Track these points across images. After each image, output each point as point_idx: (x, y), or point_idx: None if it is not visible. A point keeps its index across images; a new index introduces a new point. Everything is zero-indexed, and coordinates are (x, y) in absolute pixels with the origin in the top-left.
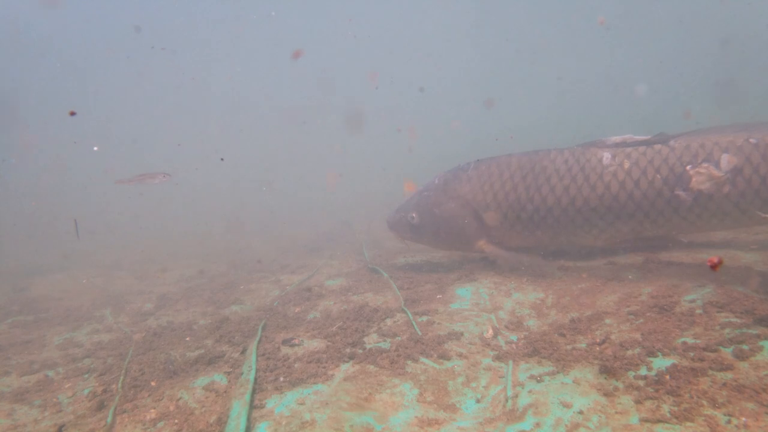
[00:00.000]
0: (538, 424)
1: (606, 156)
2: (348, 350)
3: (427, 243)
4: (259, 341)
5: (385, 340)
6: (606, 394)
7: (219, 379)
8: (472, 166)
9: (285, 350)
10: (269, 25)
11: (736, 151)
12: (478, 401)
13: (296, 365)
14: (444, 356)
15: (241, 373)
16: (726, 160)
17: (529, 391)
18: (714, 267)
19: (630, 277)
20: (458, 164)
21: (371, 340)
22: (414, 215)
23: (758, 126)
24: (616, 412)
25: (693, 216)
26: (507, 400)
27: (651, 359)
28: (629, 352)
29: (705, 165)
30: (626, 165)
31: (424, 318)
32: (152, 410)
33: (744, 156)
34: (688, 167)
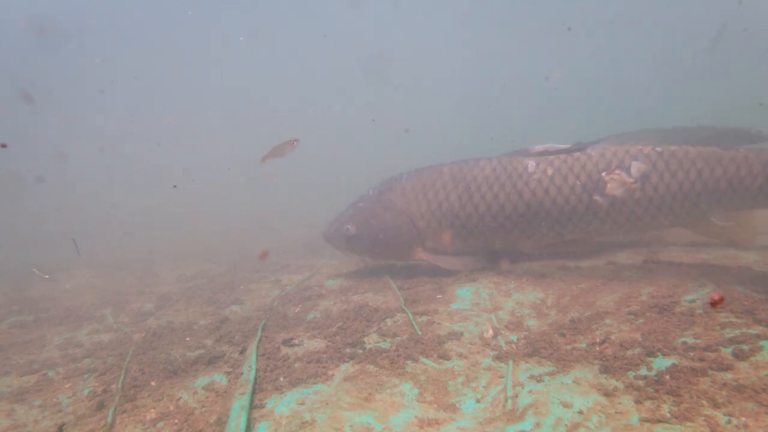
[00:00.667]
0: (538, 424)
1: (531, 164)
2: (348, 350)
3: (365, 254)
4: (259, 341)
5: (385, 340)
6: (606, 394)
7: (219, 379)
8: (405, 176)
9: (285, 350)
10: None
11: (645, 158)
12: (478, 401)
13: (296, 365)
14: (444, 356)
15: (241, 373)
16: (636, 167)
17: (529, 391)
18: (715, 304)
19: (630, 277)
20: (392, 175)
21: (371, 340)
22: (350, 227)
23: (668, 132)
24: (616, 412)
25: (610, 220)
26: (507, 400)
27: (651, 359)
28: (629, 352)
29: (617, 172)
30: (549, 172)
31: (424, 318)
32: (152, 410)
33: (651, 163)
34: (603, 174)
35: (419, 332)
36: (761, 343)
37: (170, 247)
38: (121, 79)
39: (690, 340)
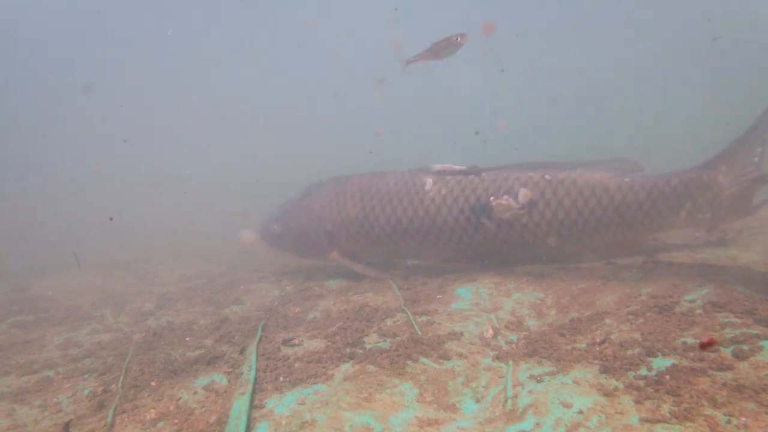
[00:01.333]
0: (538, 424)
1: (429, 182)
2: (348, 350)
3: (290, 252)
4: (259, 341)
5: (385, 340)
6: (606, 394)
7: (219, 379)
8: (323, 183)
9: (285, 350)
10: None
11: (533, 185)
12: (478, 401)
13: (296, 365)
14: (444, 356)
15: (241, 373)
16: (523, 194)
17: (529, 391)
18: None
19: (630, 277)
20: (314, 182)
21: (371, 340)
22: (276, 226)
23: (561, 165)
24: (616, 412)
25: (499, 242)
26: (507, 400)
27: (651, 359)
28: (629, 352)
29: (505, 197)
30: (443, 192)
31: (424, 318)
32: (152, 410)
33: (539, 191)
34: (492, 198)
35: (419, 332)
36: (761, 343)
37: (170, 247)
38: (120, 79)
39: (690, 340)
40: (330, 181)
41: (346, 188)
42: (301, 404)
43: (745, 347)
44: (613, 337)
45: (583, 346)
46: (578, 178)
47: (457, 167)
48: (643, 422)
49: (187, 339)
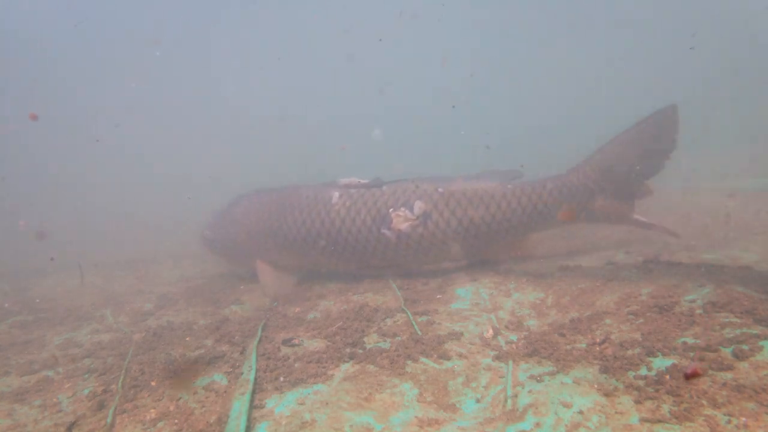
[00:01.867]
0: (538, 424)
1: (335, 195)
2: (348, 350)
3: (221, 258)
4: (259, 341)
5: (385, 340)
6: (606, 394)
7: (219, 379)
8: (250, 194)
9: (285, 350)
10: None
11: (427, 198)
12: (478, 401)
13: (296, 365)
14: (444, 356)
15: (241, 373)
16: (418, 206)
17: (529, 391)
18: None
19: (630, 277)
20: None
21: (371, 340)
22: (208, 233)
23: (452, 178)
24: (616, 412)
25: (401, 251)
26: (507, 400)
27: (651, 359)
28: (629, 352)
29: (402, 209)
30: (348, 204)
31: (424, 318)
32: (152, 410)
33: (432, 202)
34: (390, 210)
35: (419, 332)
36: (761, 343)
37: (171, 247)
38: (120, 78)
39: (690, 340)
40: (255, 192)
41: (266, 200)
42: (301, 404)
43: (745, 347)
44: (613, 337)
45: (583, 346)
46: (467, 188)
47: (361, 180)
48: (643, 422)
49: (187, 339)
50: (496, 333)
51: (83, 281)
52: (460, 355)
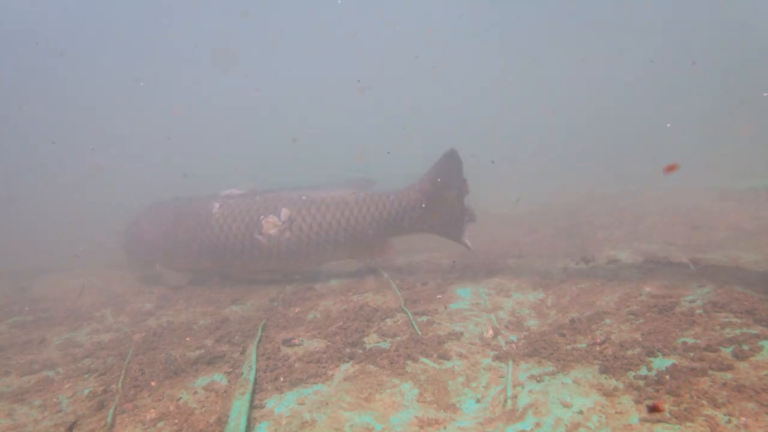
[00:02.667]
0: (538, 424)
1: (216, 205)
2: (348, 350)
3: (133, 260)
4: (259, 341)
5: (385, 340)
6: (606, 394)
7: (219, 379)
8: (157, 204)
9: (285, 350)
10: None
11: (292, 205)
12: (478, 401)
13: (296, 365)
14: (444, 356)
15: (241, 373)
16: (284, 212)
17: (529, 391)
18: (652, 411)
19: (630, 277)
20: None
21: (371, 340)
22: (123, 237)
23: (315, 186)
24: (616, 412)
25: (273, 254)
26: (507, 400)
27: (651, 359)
28: (629, 352)
29: (271, 216)
30: (226, 213)
31: (424, 318)
32: (152, 410)
33: (296, 209)
34: (261, 217)
35: (419, 332)
36: (761, 343)
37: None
38: (120, 78)
39: (690, 340)
40: (161, 203)
41: (167, 211)
42: (301, 404)
43: (745, 347)
44: (613, 337)
45: (583, 346)
46: (326, 196)
47: (239, 191)
48: (643, 422)
49: (187, 339)
50: (496, 333)
51: (82, 290)
52: (460, 355)
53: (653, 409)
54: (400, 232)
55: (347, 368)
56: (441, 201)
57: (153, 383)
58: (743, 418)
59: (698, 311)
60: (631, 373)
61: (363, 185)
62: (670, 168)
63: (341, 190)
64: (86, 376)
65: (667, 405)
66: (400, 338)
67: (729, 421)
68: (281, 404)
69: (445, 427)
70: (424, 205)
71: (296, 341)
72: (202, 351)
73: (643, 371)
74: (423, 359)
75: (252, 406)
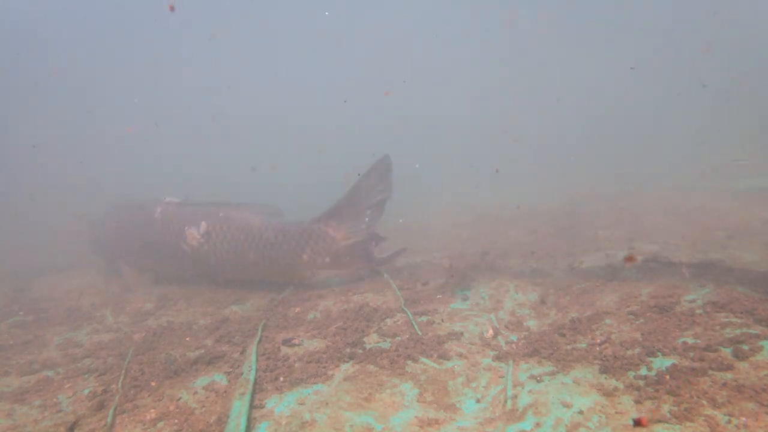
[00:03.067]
0: (538, 424)
1: (158, 210)
2: (348, 350)
3: (98, 257)
4: (259, 341)
5: (385, 340)
6: (606, 394)
7: (219, 379)
8: (116, 206)
9: (285, 350)
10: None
11: (210, 219)
12: (478, 401)
13: (296, 365)
14: (444, 356)
15: (241, 373)
16: (203, 226)
17: (529, 391)
18: (636, 424)
19: (630, 277)
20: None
21: (371, 340)
22: (88, 234)
23: (228, 204)
24: (616, 412)
25: (199, 263)
26: (507, 400)
27: (651, 359)
28: (629, 352)
29: (193, 228)
30: (163, 220)
31: (424, 318)
32: (152, 410)
33: (213, 223)
34: (186, 227)
35: (419, 332)
36: (761, 343)
37: None
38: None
39: (690, 340)
40: (116, 205)
41: (121, 212)
42: (301, 404)
43: (745, 347)
44: (613, 337)
45: (583, 346)
46: (238, 216)
47: (176, 199)
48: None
49: (187, 339)
50: (496, 333)
51: (83, 292)
52: (460, 355)
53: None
54: (299, 265)
55: (347, 368)
56: (353, 229)
57: (153, 383)
58: (743, 418)
59: (698, 311)
60: (631, 373)
61: (271, 212)
62: None
63: (251, 212)
64: (86, 376)
65: (666, 405)
66: (400, 338)
67: (729, 421)
68: (281, 404)
69: (445, 427)
70: (333, 236)
71: (296, 341)
72: (202, 351)
73: (643, 371)
74: (423, 359)
75: (252, 406)
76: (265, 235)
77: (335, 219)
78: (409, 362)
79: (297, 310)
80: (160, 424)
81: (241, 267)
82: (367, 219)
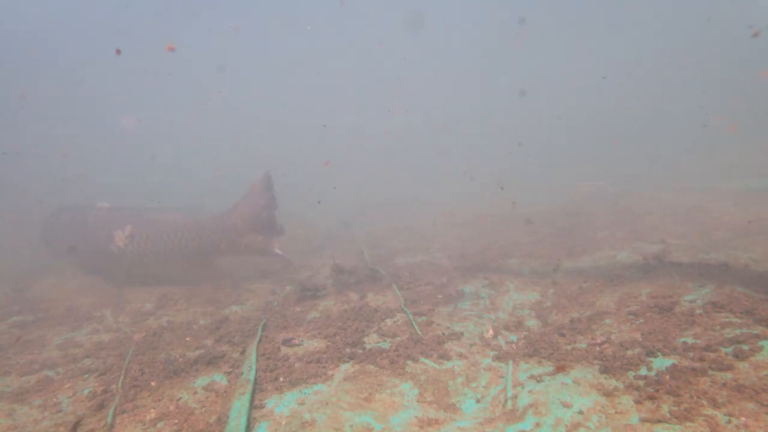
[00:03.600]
0: (538, 424)
1: (91, 214)
2: (348, 350)
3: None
4: (259, 341)
5: (385, 340)
6: (606, 394)
7: (219, 379)
8: (60, 209)
9: (285, 350)
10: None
11: (134, 222)
12: (478, 401)
13: (296, 365)
14: (444, 356)
15: (241, 373)
16: (128, 229)
17: (529, 391)
18: None
19: (630, 277)
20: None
21: (371, 340)
22: (41, 234)
23: (154, 208)
24: (616, 412)
25: (126, 263)
26: (507, 400)
27: (651, 359)
28: (629, 352)
29: (119, 231)
30: (95, 223)
31: (424, 318)
32: (152, 410)
33: (136, 226)
34: (114, 231)
35: (419, 332)
36: (761, 343)
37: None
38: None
39: (690, 340)
40: (59, 207)
41: (62, 215)
42: (301, 404)
43: (745, 347)
44: (613, 337)
45: (583, 346)
46: (162, 217)
47: (106, 204)
48: (643, 422)
49: (187, 339)
50: (496, 333)
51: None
52: (460, 355)
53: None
54: (220, 253)
55: (347, 368)
56: (258, 222)
57: (153, 383)
58: (743, 418)
59: (698, 311)
60: (631, 373)
61: (193, 210)
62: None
63: (173, 213)
64: (86, 376)
65: (666, 405)
66: (400, 338)
67: (729, 421)
68: (281, 404)
69: (445, 427)
70: (242, 227)
71: (296, 341)
72: (202, 351)
73: (643, 371)
74: (423, 359)
75: (252, 406)
76: (187, 230)
77: (239, 212)
78: (409, 362)
79: (297, 310)
80: (160, 424)
81: (167, 261)
82: (264, 214)
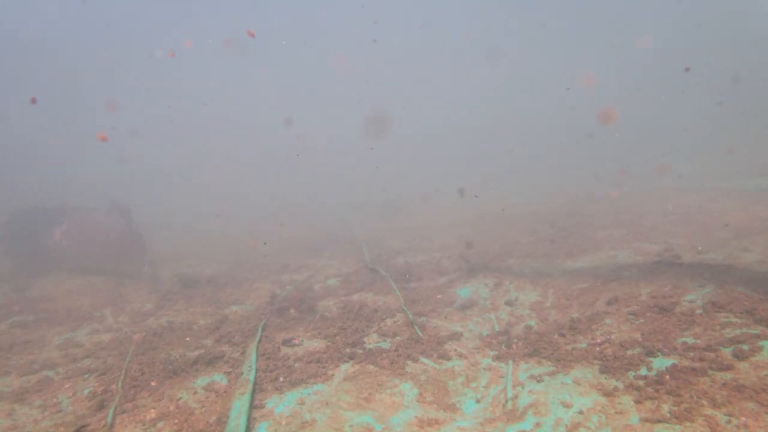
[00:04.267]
0: (538, 424)
1: (37, 213)
2: (348, 350)
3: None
4: (259, 341)
5: (385, 340)
6: (606, 394)
7: (219, 379)
8: (21, 210)
9: (285, 350)
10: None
11: (69, 220)
12: (478, 401)
13: (296, 365)
14: (444, 356)
15: (241, 373)
16: (65, 225)
17: (529, 391)
18: None
19: (630, 277)
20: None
21: (371, 340)
22: None
23: (87, 208)
24: (616, 412)
25: (68, 258)
26: (507, 401)
27: (651, 359)
28: (629, 352)
29: (59, 228)
30: (66, 229)
31: (424, 318)
32: (152, 410)
33: (71, 224)
34: (53, 227)
35: (419, 332)
36: (761, 343)
37: (170, 246)
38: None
39: (690, 340)
40: (18, 209)
41: (17, 215)
42: (301, 404)
43: (745, 347)
44: (613, 337)
45: (583, 346)
46: (92, 216)
47: (53, 204)
48: (643, 422)
49: (187, 339)
50: (496, 333)
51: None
52: (460, 355)
53: None
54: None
55: (347, 368)
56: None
57: (153, 383)
58: (743, 418)
59: (698, 311)
60: (631, 373)
61: (122, 209)
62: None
63: (102, 211)
64: (86, 376)
65: (666, 405)
66: (400, 338)
67: (729, 421)
68: (281, 404)
69: (445, 427)
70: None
71: (296, 341)
72: (202, 351)
73: (643, 371)
74: (423, 359)
75: (252, 406)
76: (113, 229)
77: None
78: (409, 362)
79: (297, 310)
80: (160, 424)
81: (92, 258)
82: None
